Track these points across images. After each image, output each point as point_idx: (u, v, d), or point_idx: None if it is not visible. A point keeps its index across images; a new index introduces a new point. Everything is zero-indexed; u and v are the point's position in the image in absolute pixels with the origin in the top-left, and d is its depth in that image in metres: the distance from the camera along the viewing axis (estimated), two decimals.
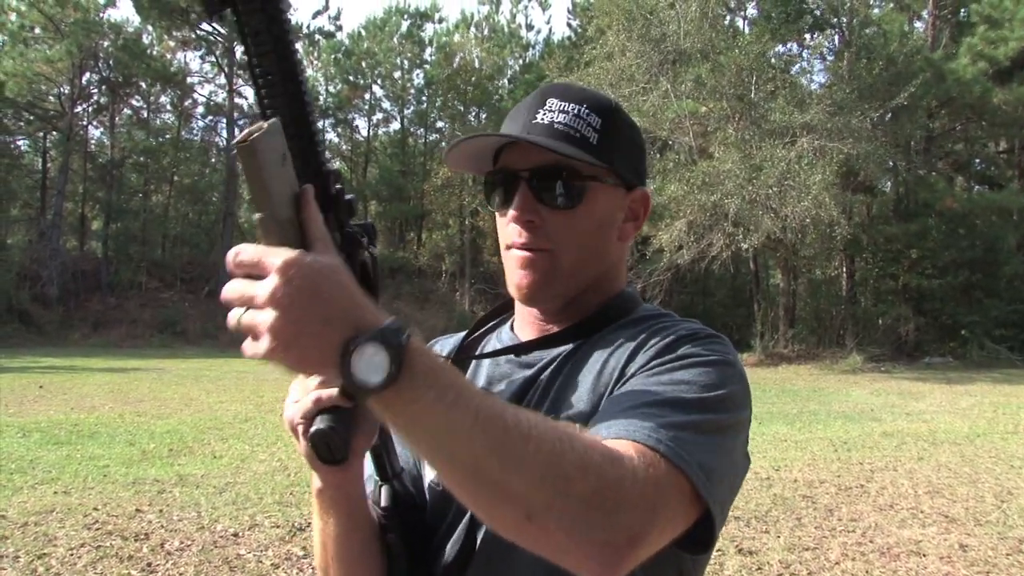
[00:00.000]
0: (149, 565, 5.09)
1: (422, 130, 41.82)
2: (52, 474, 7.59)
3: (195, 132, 38.12)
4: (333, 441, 0.95)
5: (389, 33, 40.38)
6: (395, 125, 41.95)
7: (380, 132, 42.70)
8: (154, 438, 9.72)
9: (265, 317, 0.75)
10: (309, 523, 6.01)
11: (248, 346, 0.78)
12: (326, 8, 37.02)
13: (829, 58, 27.94)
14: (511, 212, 1.19)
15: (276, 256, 0.76)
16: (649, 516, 0.87)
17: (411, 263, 36.76)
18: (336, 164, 43.67)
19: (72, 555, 5.22)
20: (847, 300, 27.85)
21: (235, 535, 5.75)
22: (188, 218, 36.61)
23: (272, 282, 0.75)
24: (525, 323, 1.30)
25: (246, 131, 0.80)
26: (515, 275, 1.21)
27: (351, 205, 0.99)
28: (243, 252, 0.79)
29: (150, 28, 35.01)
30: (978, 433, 11.20)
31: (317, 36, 37.09)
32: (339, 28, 38.22)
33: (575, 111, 1.21)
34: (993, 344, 24.64)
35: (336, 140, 42.49)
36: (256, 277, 0.77)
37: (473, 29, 41.27)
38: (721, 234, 21.89)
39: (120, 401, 13.15)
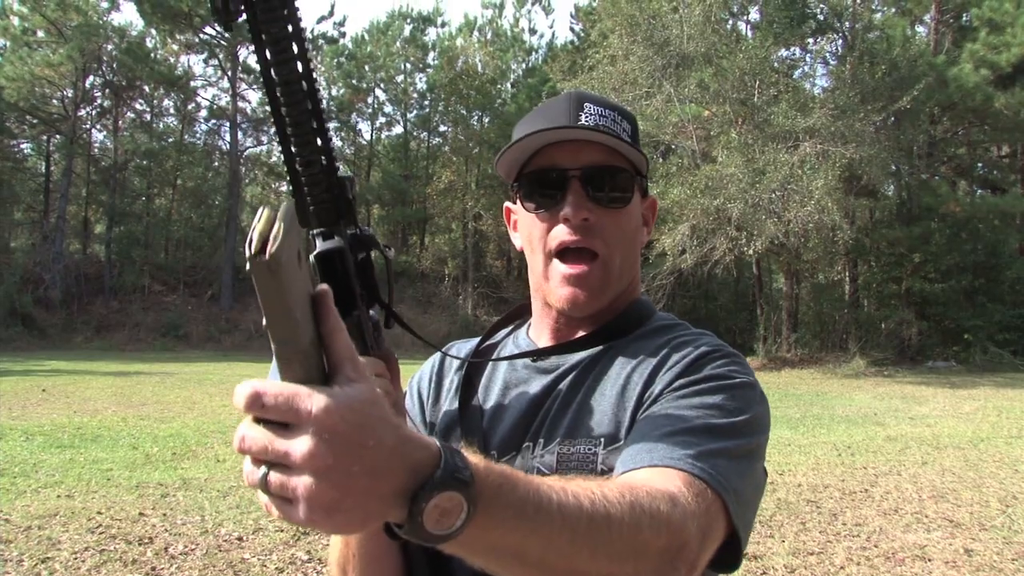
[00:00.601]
0: (153, 569, 5.09)
1: (425, 134, 41.86)
2: (55, 478, 7.59)
3: (198, 136, 38.20)
4: None
5: (392, 37, 40.44)
6: (398, 129, 42.04)
7: (383, 136, 42.76)
8: (157, 442, 9.72)
9: (302, 481, 0.62)
10: None
11: (282, 510, 0.65)
12: (331, 14, 36.96)
13: (832, 62, 27.94)
14: (565, 210, 1.19)
15: (309, 402, 0.63)
16: (704, 543, 0.91)
17: (414, 267, 36.79)
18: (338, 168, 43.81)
19: (76, 559, 5.22)
20: (850, 304, 27.85)
21: (239, 539, 5.75)
22: (191, 221, 36.61)
23: (309, 441, 0.62)
24: (543, 328, 1.31)
25: (257, 233, 0.66)
26: (564, 290, 1.22)
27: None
28: (267, 395, 0.64)
29: (153, 32, 35.12)
30: (982, 437, 11.17)
31: (320, 41, 37.15)
32: (343, 34, 38.36)
33: (612, 116, 1.24)
34: (996, 348, 24.62)
35: (339, 144, 42.51)
36: (282, 423, 0.64)
37: (476, 33, 41.33)
38: (725, 238, 21.89)
39: (123, 404, 13.16)
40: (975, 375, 21.98)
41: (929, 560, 5.60)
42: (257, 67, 0.89)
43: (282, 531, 5.93)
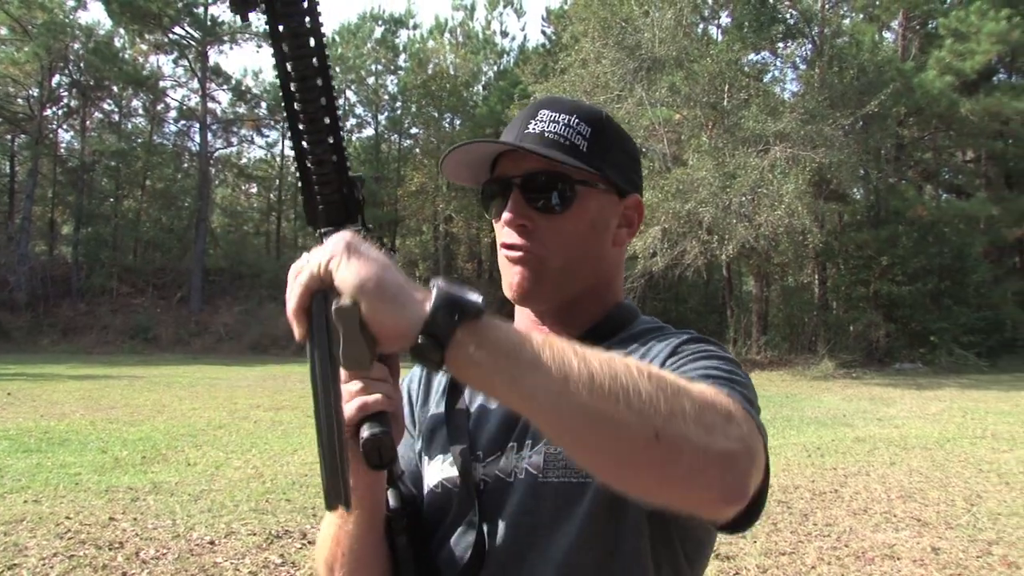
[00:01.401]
0: (124, 574, 5.04)
1: (396, 136, 41.76)
2: (22, 482, 7.49)
3: (167, 137, 37.79)
4: (384, 445, 0.97)
5: (363, 39, 40.30)
6: (369, 131, 41.89)
7: (354, 138, 42.57)
8: (127, 445, 9.62)
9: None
10: (286, 530, 6.00)
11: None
12: None
13: (801, 67, 28.23)
14: (504, 216, 1.22)
15: None
16: (755, 441, 0.88)
17: None
18: None
19: (44, 565, 5.15)
20: (819, 307, 28.11)
21: (211, 543, 5.70)
22: (160, 223, 36.21)
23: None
24: (525, 327, 1.31)
25: (347, 298, 0.82)
26: (507, 275, 1.24)
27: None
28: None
29: (122, 31, 34.73)
30: (947, 438, 11.33)
31: None
32: None
33: (565, 120, 1.25)
34: (961, 350, 24.98)
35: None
36: None
37: (447, 35, 41.30)
38: (696, 242, 22.02)
39: (91, 408, 13.01)
40: (941, 377, 22.28)
41: (898, 559, 5.67)
42: (270, 60, 0.89)
43: (255, 535, 5.90)
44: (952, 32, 26.47)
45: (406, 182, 39.12)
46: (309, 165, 0.96)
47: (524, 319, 1.32)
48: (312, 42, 0.88)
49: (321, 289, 0.85)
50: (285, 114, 0.94)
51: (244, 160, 41.60)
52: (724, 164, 21.80)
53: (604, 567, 1.12)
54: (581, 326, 1.27)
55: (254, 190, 43.70)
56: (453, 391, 1.29)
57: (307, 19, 0.87)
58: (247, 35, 35.11)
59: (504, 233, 1.23)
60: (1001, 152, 31.19)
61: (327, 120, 0.93)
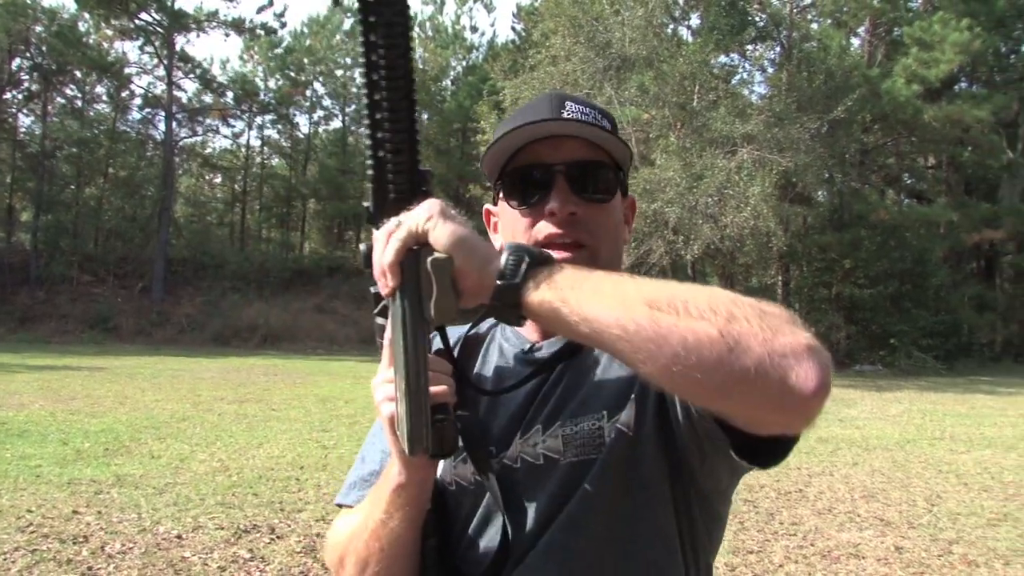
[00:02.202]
0: (90, 569, 4.96)
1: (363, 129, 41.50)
2: None
3: (132, 124, 37.16)
4: (447, 435, 0.98)
5: (331, 31, 40.00)
6: (336, 123, 41.64)
7: (321, 130, 42.30)
8: (88, 437, 9.48)
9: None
10: (254, 525, 5.96)
11: None
12: (271, 4, 36.26)
13: (770, 70, 28.48)
14: (550, 205, 1.20)
15: None
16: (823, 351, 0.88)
17: (349, 262, 36.45)
18: (275, 162, 43.19)
19: (6, 559, 5.06)
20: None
21: (178, 537, 5.64)
22: (123, 212, 35.64)
23: None
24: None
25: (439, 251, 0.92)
26: None
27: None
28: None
29: (87, 16, 34.11)
30: (908, 439, 11.51)
31: (259, 31, 36.52)
32: (283, 24, 37.82)
33: (592, 115, 1.25)
34: (920, 353, 25.39)
35: (276, 137, 41.94)
36: None
37: (417, 29, 41.04)
38: (662, 241, 22.12)
39: (51, 399, 12.78)
40: (900, 379, 22.62)
41: (863, 558, 5.76)
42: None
43: (222, 529, 5.85)
44: (917, 41, 26.87)
45: None
46: (387, 155, 0.97)
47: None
48: (403, 33, 0.89)
49: (416, 245, 0.92)
50: (366, 102, 0.94)
51: (209, 150, 41.14)
52: (691, 165, 21.90)
53: (631, 542, 1.14)
54: None
55: (219, 180, 43.22)
56: (459, 379, 1.29)
57: (401, 9, 0.88)
58: (215, 23, 34.68)
59: (542, 225, 1.21)
60: (961, 159, 31.76)
61: (407, 110, 0.94)
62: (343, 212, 38.81)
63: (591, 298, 0.87)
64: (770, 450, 1.03)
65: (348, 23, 40.19)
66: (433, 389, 0.98)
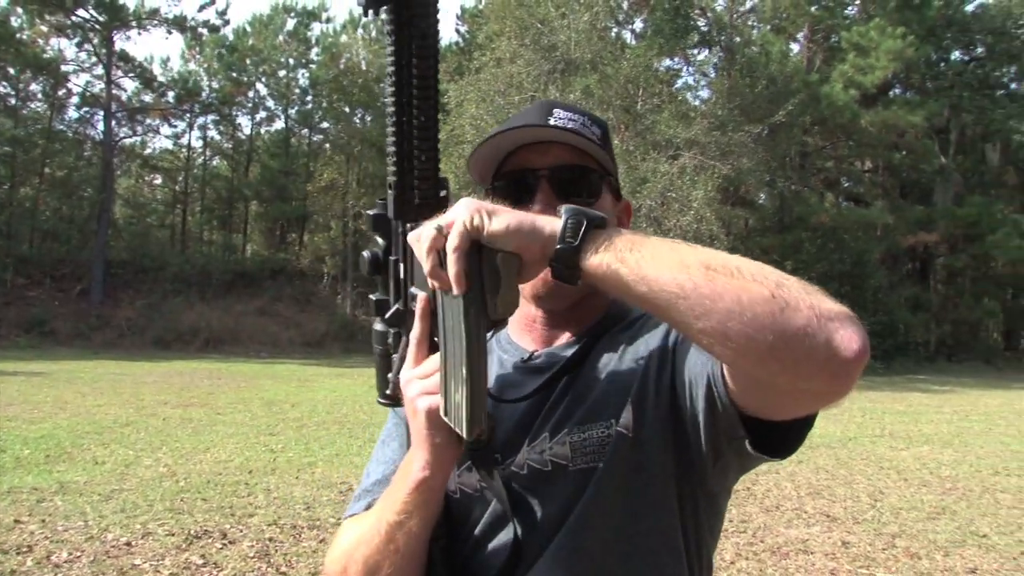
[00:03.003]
0: None
1: (306, 131, 41.05)
2: None
3: (69, 123, 36.20)
4: (489, 426, 0.99)
5: (275, 31, 39.51)
6: (279, 124, 41.08)
7: (263, 131, 41.71)
8: (28, 444, 9.24)
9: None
10: (205, 530, 5.88)
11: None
12: (212, 2, 35.65)
13: (712, 75, 28.88)
14: (534, 209, 1.20)
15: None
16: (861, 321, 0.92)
17: (292, 265, 36.09)
18: (216, 163, 42.53)
19: None
20: None
21: (128, 544, 5.54)
22: (60, 213, 34.75)
23: None
24: (523, 328, 1.34)
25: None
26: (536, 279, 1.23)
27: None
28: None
29: (20, 11, 33.16)
30: (850, 437, 11.77)
31: (201, 30, 35.91)
32: (226, 22, 37.07)
33: (580, 120, 1.28)
34: None
35: (218, 138, 41.29)
36: None
37: (360, 30, 40.80)
38: None
39: None
40: None
41: (811, 553, 5.89)
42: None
43: (173, 535, 5.76)
44: (854, 46, 27.53)
45: (316, 177, 38.54)
46: (412, 161, 0.98)
47: (523, 320, 1.33)
48: (433, 44, 0.91)
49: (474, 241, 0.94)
50: (393, 109, 0.95)
51: (149, 150, 40.29)
52: (635, 168, 22.12)
53: (636, 545, 1.16)
54: (586, 322, 1.29)
55: (159, 181, 42.37)
56: None
57: (434, 21, 0.89)
58: (155, 20, 34.03)
59: None
60: (896, 163, 32.59)
61: (434, 118, 0.96)
62: (286, 214, 38.35)
63: (649, 259, 0.90)
64: (784, 439, 1.06)
65: (292, 23, 39.77)
66: None
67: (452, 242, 0.93)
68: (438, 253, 0.95)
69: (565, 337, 1.30)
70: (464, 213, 0.94)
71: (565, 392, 1.23)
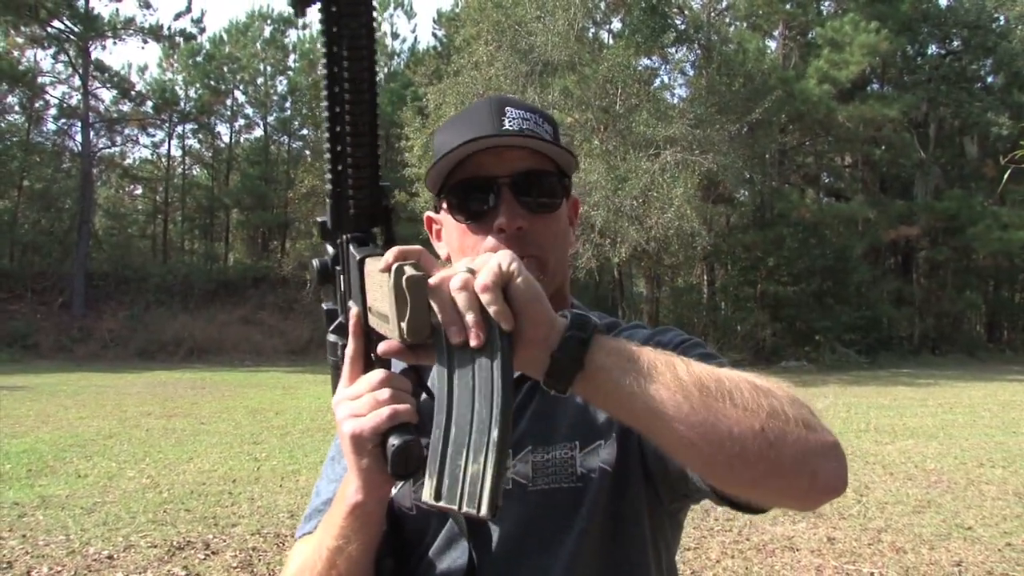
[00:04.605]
0: None
1: (286, 138, 40.90)
2: None
3: (46, 135, 35.94)
4: (413, 454, 0.94)
5: (252, 38, 39.36)
6: (258, 132, 40.89)
7: (242, 139, 41.51)
8: (9, 458, 9.15)
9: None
10: (188, 541, 5.83)
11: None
12: (188, 10, 35.44)
13: (690, 73, 28.98)
14: (499, 221, 1.18)
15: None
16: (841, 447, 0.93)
17: (275, 272, 35.89)
18: (196, 172, 42.35)
19: None
20: (708, 307, 28.89)
21: (110, 557, 5.49)
22: (40, 225, 34.48)
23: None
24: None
25: (399, 258, 0.87)
26: None
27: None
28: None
29: None
30: (835, 432, 11.77)
31: (178, 38, 35.73)
32: (202, 30, 36.85)
33: (534, 119, 1.24)
34: (843, 348, 26.12)
35: (197, 146, 41.10)
36: None
37: None
38: (589, 244, 22.31)
39: None
40: (824, 374, 23.19)
41: (797, 550, 5.89)
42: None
43: (155, 547, 5.71)
44: (828, 42, 27.68)
45: (296, 184, 38.40)
46: (346, 169, 0.95)
47: None
48: (367, 45, 0.87)
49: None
50: (327, 115, 0.92)
51: (128, 160, 40.06)
52: (616, 168, 22.16)
53: (604, 569, 1.14)
54: None
55: (139, 191, 42.14)
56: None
57: (366, 21, 0.86)
58: (131, 30, 33.82)
59: (492, 239, 1.19)
60: (876, 158, 32.78)
61: (370, 124, 0.93)
62: (267, 221, 38.22)
63: (649, 373, 0.86)
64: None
65: (268, 30, 39.63)
66: (398, 407, 0.96)
67: (486, 278, 0.85)
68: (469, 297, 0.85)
69: None
70: (504, 257, 0.87)
71: (527, 407, 1.20)
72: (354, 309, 1.02)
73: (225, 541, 5.91)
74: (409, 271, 0.85)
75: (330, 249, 1.07)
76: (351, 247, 1.01)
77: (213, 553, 5.61)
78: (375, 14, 0.88)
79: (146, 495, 7.35)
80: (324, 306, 1.11)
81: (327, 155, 0.95)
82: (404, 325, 0.85)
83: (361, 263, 0.98)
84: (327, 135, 0.93)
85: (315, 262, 1.08)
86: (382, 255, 0.90)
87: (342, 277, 1.06)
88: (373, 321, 0.98)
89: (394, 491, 1.20)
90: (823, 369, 24.44)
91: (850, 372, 23.61)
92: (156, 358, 27.11)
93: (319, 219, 1.04)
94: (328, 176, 0.97)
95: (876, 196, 32.55)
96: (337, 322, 1.08)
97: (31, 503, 7.01)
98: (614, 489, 1.15)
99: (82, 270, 30.52)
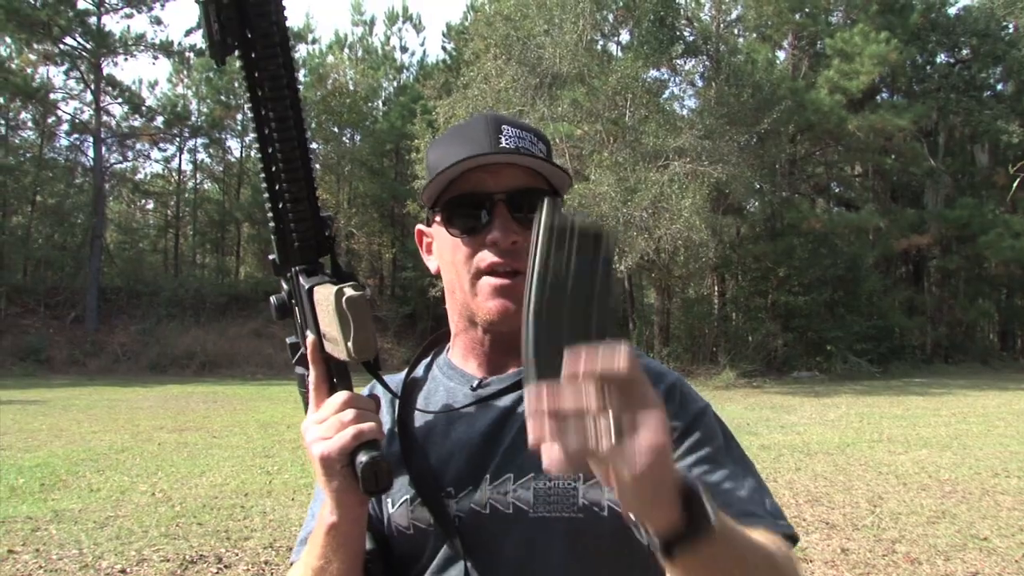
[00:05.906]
0: None
1: None
2: None
3: (59, 151, 36.19)
4: (382, 470, 0.96)
5: None
6: None
7: (253, 152, 41.47)
8: (23, 472, 9.19)
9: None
10: (200, 555, 5.84)
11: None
12: (199, 26, 35.51)
13: (699, 84, 28.99)
14: (492, 235, 1.19)
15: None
16: None
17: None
18: (207, 186, 42.57)
19: None
20: (719, 318, 28.81)
21: (122, 571, 5.50)
22: (52, 240, 34.69)
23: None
24: (469, 353, 1.30)
25: (350, 290, 0.92)
26: (488, 297, 1.20)
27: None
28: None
29: (8, 40, 33.20)
30: (847, 443, 11.75)
31: (188, 54, 35.97)
32: None
33: (528, 138, 1.25)
34: (855, 357, 26.00)
35: (208, 161, 41.33)
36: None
37: (347, 50, 40.95)
38: None
39: None
40: (836, 384, 23.10)
41: (811, 561, 5.86)
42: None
43: (168, 561, 5.71)
44: (838, 52, 27.71)
45: None
46: (284, 204, 0.97)
47: (466, 344, 1.30)
48: (288, 84, 0.89)
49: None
50: (260, 155, 0.95)
51: (140, 175, 40.30)
52: (625, 179, 22.18)
53: None
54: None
55: (150, 206, 42.38)
56: (404, 431, 1.25)
57: (282, 61, 0.88)
58: (142, 46, 34.08)
59: (484, 254, 1.20)
60: (886, 167, 32.73)
61: (301, 159, 0.94)
62: None
63: (736, 546, 0.87)
64: None
65: None
66: (362, 426, 0.98)
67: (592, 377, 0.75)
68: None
69: (517, 363, 1.24)
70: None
71: (524, 427, 1.20)
72: (311, 337, 1.04)
73: (238, 555, 5.92)
74: (348, 292, 0.89)
75: (284, 285, 1.10)
76: (300, 278, 1.03)
77: (226, 567, 5.62)
78: (291, 53, 0.91)
79: (158, 509, 7.36)
80: (287, 340, 1.14)
81: (265, 194, 0.98)
82: (350, 344, 0.90)
83: (310, 292, 1.01)
84: (263, 175, 0.96)
85: (273, 299, 1.11)
86: (331, 282, 0.93)
87: (297, 309, 1.09)
88: (328, 346, 1.00)
89: (391, 510, 1.22)
90: (835, 379, 24.33)
91: (862, 382, 23.51)
92: (168, 372, 27.20)
93: (271, 257, 1.06)
94: (269, 214, 0.99)
95: (887, 205, 32.49)
96: (300, 354, 1.11)
97: (44, 517, 7.03)
98: (620, 527, 1.14)
99: (94, 284, 30.66)
